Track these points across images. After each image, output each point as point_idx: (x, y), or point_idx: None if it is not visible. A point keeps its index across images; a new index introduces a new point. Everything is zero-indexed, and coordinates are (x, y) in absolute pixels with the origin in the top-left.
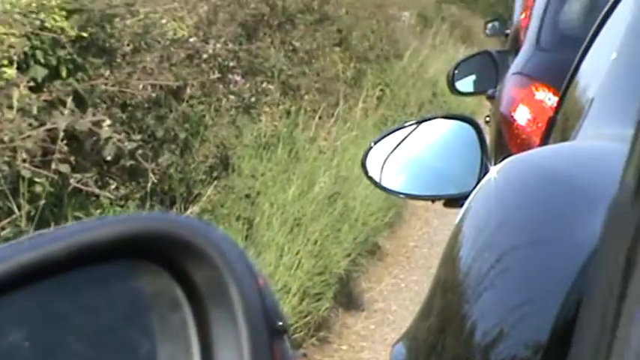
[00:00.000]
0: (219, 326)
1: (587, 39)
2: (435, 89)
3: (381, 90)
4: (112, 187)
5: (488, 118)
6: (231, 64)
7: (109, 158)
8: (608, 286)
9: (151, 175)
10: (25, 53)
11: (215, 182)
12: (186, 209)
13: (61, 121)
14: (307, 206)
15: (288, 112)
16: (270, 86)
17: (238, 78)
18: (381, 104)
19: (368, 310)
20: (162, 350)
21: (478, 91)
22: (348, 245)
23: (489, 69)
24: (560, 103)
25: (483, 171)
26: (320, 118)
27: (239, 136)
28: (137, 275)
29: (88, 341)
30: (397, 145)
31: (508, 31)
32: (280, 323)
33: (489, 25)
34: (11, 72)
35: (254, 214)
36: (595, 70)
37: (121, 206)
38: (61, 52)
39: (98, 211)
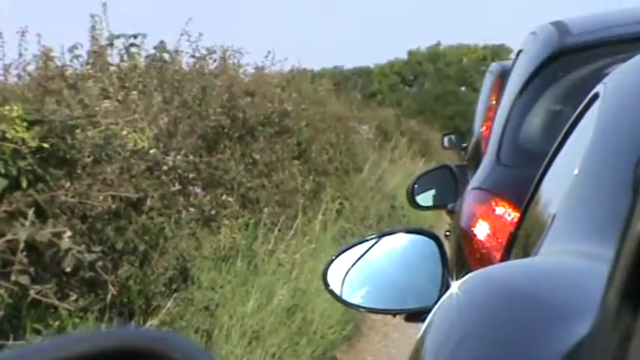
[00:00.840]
0: None
1: (549, 155)
2: (394, 202)
3: (340, 203)
4: (72, 298)
5: (448, 233)
6: (191, 175)
7: (68, 269)
8: None
9: (110, 287)
10: None
11: (174, 294)
12: (145, 322)
13: (22, 232)
14: (266, 319)
15: (247, 225)
16: (230, 199)
17: (198, 190)
18: (340, 217)
19: None
20: None
21: (438, 205)
22: (305, 359)
23: (449, 183)
24: (521, 218)
25: (445, 285)
26: (279, 230)
27: (198, 248)
28: None
29: None
30: (358, 259)
31: (465, 145)
32: None
33: (446, 139)
34: None
35: (213, 327)
36: (557, 186)
37: (80, 318)
38: (22, 163)
39: (57, 322)
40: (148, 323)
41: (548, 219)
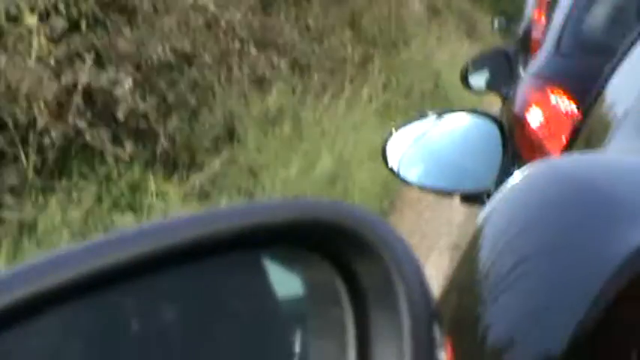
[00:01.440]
0: (380, 326)
1: (623, 48)
2: (438, 80)
3: (387, 76)
4: (123, 147)
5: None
6: (245, 34)
7: (121, 117)
8: None
9: (162, 138)
10: (47, 3)
11: (220, 152)
12: (188, 177)
13: (82, 75)
14: (308, 185)
15: (295, 90)
16: (282, 61)
17: (253, 50)
18: (385, 90)
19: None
20: (316, 343)
21: (491, 87)
22: None
23: (504, 67)
24: (587, 111)
25: (503, 170)
26: (327, 99)
27: (247, 108)
28: (299, 263)
29: (241, 325)
30: (418, 136)
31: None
32: (433, 308)
33: (496, 20)
34: (32, 20)
35: (255, 188)
36: (630, 82)
37: (126, 166)
38: (83, 6)
39: (103, 168)
40: (192, 179)
41: (619, 115)
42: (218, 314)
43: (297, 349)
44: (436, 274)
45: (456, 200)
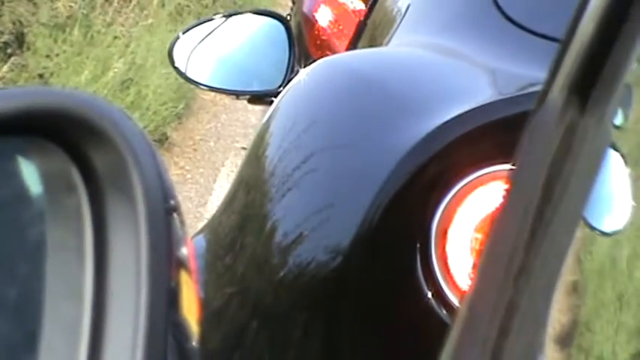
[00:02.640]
0: (116, 210)
1: None
2: None
3: None
4: None
5: (289, 17)
6: None
7: None
8: (524, 205)
9: None
10: None
11: (9, 59)
12: None
13: None
14: (100, 90)
15: None
16: None
17: None
18: None
19: (177, 199)
20: (53, 233)
21: None
22: None
23: None
24: (371, 7)
25: (291, 70)
26: (118, 2)
27: (36, 13)
28: (31, 153)
29: None
30: (205, 38)
31: None
32: (173, 201)
33: None
34: None
35: None
36: None
37: None
38: None
39: None
40: None
41: (400, 10)
42: None
43: (34, 240)
44: (233, 175)
45: None
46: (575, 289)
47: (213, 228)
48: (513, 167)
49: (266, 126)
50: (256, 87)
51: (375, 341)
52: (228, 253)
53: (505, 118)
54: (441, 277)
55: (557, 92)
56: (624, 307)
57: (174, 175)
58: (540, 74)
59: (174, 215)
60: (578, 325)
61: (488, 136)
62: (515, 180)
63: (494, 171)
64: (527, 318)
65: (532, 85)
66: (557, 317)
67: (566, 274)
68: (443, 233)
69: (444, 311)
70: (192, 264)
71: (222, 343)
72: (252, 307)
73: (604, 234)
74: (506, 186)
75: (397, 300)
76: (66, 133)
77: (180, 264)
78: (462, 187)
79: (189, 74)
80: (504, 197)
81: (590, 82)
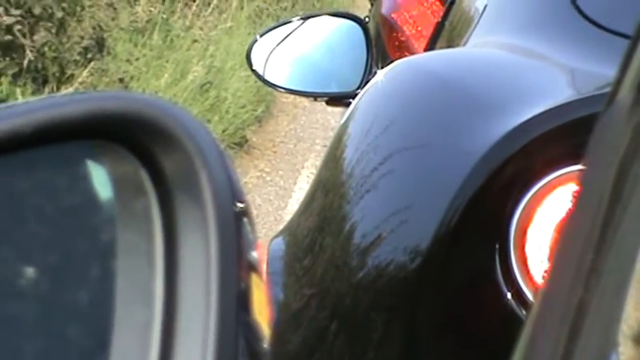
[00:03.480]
0: (186, 213)
1: None
2: None
3: None
4: None
5: (367, 18)
6: None
7: None
8: (594, 205)
9: (27, 51)
10: None
11: (89, 64)
12: (58, 89)
13: None
14: (180, 94)
15: None
16: None
17: None
18: None
19: (247, 203)
20: (123, 236)
21: None
22: (217, 136)
23: None
24: (448, 8)
25: (368, 71)
26: (197, 6)
27: (115, 18)
28: (102, 157)
29: (46, 222)
30: (282, 40)
31: None
32: (242, 205)
33: None
34: None
35: None
36: None
37: None
38: None
39: None
40: (62, 91)
41: (477, 11)
42: (21, 211)
43: (105, 243)
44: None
45: None
46: None
47: (291, 230)
48: (583, 168)
49: (344, 128)
50: (334, 89)
51: (454, 342)
52: (307, 255)
53: (584, 118)
54: (520, 277)
55: (627, 91)
56: None
57: (253, 177)
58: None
59: (244, 219)
60: None
61: (567, 136)
62: (584, 180)
63: (573, 171)
64: (599, 318)
65: (610, 84)
66: (633, 314)
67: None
68: (522, 234)
69: (524, 311)
70: (262, 267)
71: (301, 344)
72: (331, 308)
73: None
74: (577, 186)
75: (476, 301)
76: (136, 137)
77: (251, 267)
78: (541, 187)
79: (267, 77)
80: (574, 197)
81: None
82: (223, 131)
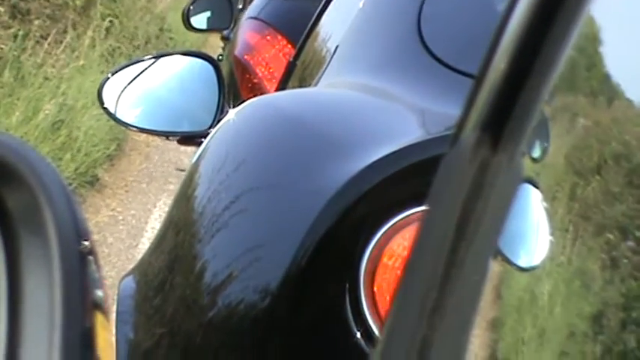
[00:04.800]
0: (30, 250)
1: None
2: (163, 24)
3: (110, 21)
4: None
5: (220, 57)
6: None
7: None
8: (438, 243)
9: None
10: None
11: None
12: None
13: None
14: (31, 132)
15: (16, 36)
16: (0, 8)
17: None
18: (109, 35)
19: (92, 240)
20: None
21: (212, 28)
22: (68, 175)
23: (224, 7)
24: (300, 49)
25: (220, 111)
26: (49, 44)
27: None
28: None
29: None
30: (134, 78)
31: None
32: (87, 243)
33: None
34: None
35: None
36: (340, 19)
37: None
38: None
39: None
40: None
41: (329, 50)
42: None
43: None
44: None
45: None
46: (494, 325)
47: (142, 269)
48: (427, 207)
49: (195, 167)
50: (186, 127)
51: None
52: (157, 294)
53: (431, 158)
54: (369, 316)
55: (470, 130)
56: (545, 344)
57: (105, 216)
58: None
59: (90, 257)
60: None
61: (414, 176)
62: (428, 220)
63: (418, 212)
64: (443, 356)
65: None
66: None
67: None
68: (371, 273)
69: (372, 349)
70: (109, 306)
71: None
72: (182, 348)
73: (522, 269)
74: (420, 226)
75: (327, 340)
76: None
77: (96, 305)
78: (388, 228)
79: (119, 115)
80: (417, 237)
81: (502, 120)
82: (75, 170)
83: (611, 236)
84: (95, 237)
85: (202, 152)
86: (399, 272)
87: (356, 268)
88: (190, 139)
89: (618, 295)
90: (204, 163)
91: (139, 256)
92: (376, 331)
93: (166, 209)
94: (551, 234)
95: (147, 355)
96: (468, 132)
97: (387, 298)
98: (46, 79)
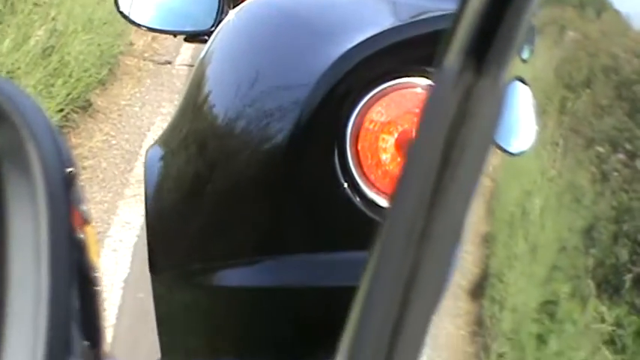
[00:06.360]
0: (15, 188)
1: None
2: None
3: None
4: None
5: None
6: None
7: None
8: (424, 172)
9: None
10: None
11: None
12: None
13: None
14: (21, 59)
15: None
16: None
17: None
18: None
19: (77, 168)
20: None
21: None
22: (60, 100)
23: None
24: None
25: (220, 12)
26: None
27: None
28: None
29: None
30: None
31: None
32: (72, 169)
33: None
34: None
35: None
36: None
37: None
38: None
39: None
40: None
41: None
42: None
43: None
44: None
45: (176, 67)
46: (487, 240)
47: (164, 139)
48: (414, 135)
49: (202, 63)
50: (190, 28)
51: (302, 218)
52: (179, 158)
53: (404, 40)
54: (354, 169)
55: (454, 57)
56: (537, 258)
57: (99, 141)
58: (433, 4)
59: (75, 183)
60: (489, 276)
61: (390, 55)
62: (415, 147)
63: (392, 85)
64: (431, 281)
65: (425, 12)
66: (469, 269)
67: (478, 226)
68: (355, 136)
69: (357, 199)
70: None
71: (176, 236)
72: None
73: (512, 154)
74: (406, 154)
75: (317, 188)
76: None
77: (84, 220)
78: (368, 99)
79: (133, 17)
80: (404, 165)
81: (486, 43)
82: (67, 95)
83: (601, 149)
84: (89, 162)
85: (207, 50)
86: (378, 134)
87: (343, 131)
88: (194, 36)
89: (609, 208)
90: (211, 57)
91: (134, 180)
92: (360, 182)
93: (159, 133)
94: (538, 123)
95: (174, 208)
96: (451, 58)
97: (369, 155)
98: (36, 4)
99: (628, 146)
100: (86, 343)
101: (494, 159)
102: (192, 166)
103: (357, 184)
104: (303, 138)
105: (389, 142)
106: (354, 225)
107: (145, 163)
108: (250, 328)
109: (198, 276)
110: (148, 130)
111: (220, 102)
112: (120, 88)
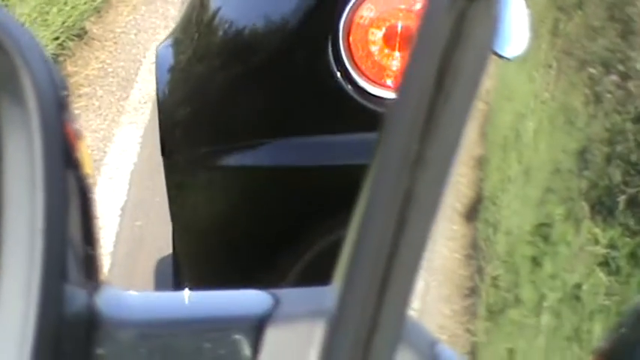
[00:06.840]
0: (9, 116)
1: None
2: None
3: None
4: None
5: None
6: None
7: None
8: (417, 96)
9: None
10: None
11: None
12: None
13: None
14: None
15: None
16: None
17: None
18: None
19: (73, 95)
20: None
21: None
22: (56, 28)
23: None
24: None
25: None
26: None
27: None
28: None
29: None
30: None
31: None
32: (65, 93)
33: None
34: None
35: None
36: None
37: None
38: None
39: None
40: None
41: None
42: None
43: None
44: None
45: None
46: (480, 163)
47: (174, 39)
48: (407, 58)
49: None
50: None
51: (298, 104)
52: (186, 54)
53: None
54: (346, 59)
55: None
56: (531, 181)
57: (94, 69)
58: None
59: (68, 106)
60: (483, 199)
61: None
62: (408, 71)
63: None
64: (425, 205)
65: None
66: (463, 191)
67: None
68: (348, 29)
69: (349, 86)
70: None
71: (184, 124)
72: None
73: (507, 59)
74: (401, 76)
75: (316, 77)
76: None
77: (77, 136)
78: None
79: None
80: (398, 90)
81: None
82: (63, 23)
83: (594, 71)
84: (85, 90)
85: None
86: (367, 29)
87: (336, 25)
88: None
89: (602, 130)
90: None
91: (130, 108)
92: (351, 72)
93: (153, 58)
94: (531, 29)
95: (184, 99)
96: None
97: (360, 47)
98: None
99: (621, 67)
100: (82, 269)
101: (487, 82)
102: (201, 59)
103: (349, 73)
104: (300, 32)
105: (377, 35)
106: (346, 110)
107: (157, 58)
108: (251, 205)
109: (204, 158)
110: (144, 57)
111: (221, 9)
112: (115, 15)
